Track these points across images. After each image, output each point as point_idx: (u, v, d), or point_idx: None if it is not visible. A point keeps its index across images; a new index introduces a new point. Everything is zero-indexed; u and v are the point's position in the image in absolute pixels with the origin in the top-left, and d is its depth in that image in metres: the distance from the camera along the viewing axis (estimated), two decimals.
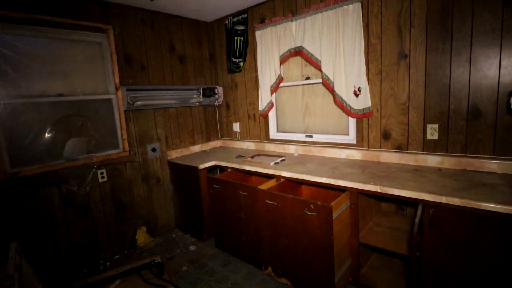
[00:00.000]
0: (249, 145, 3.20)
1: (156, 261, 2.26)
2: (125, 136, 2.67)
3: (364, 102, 2.22)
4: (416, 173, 1.83)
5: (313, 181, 1.98)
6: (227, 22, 3.15)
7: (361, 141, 2.31)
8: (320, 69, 2.39)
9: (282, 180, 2.19)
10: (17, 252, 1.63)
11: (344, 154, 2.41)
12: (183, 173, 2.81)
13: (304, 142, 2.74)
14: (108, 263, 2.51)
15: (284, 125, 2.96)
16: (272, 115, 2.99)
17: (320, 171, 2.07)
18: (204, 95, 3.23)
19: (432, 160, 1.95)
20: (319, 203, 1.72)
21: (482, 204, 1.32)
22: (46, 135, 2.26)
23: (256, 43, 2.87)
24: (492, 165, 1.74)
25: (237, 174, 2.63)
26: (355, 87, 2.23)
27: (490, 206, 1.30)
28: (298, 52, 2.53)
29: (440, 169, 1.88)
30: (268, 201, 2.01)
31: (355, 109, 2.25)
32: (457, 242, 1.41)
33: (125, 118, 2.66)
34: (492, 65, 1.68)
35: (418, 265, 1.52)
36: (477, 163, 1.78)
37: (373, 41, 2.13)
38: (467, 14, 1.73)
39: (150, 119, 2.86)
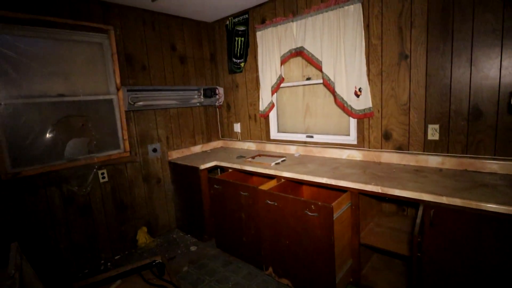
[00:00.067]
0: (250, 146, 3.20)
1: (157, 261, 2.26)
2: (126, 137, 2.67)
3: (365, 102, 2.22)
4: (417, 174, 1.83)
5: (314, 182, 1.98)
6: (228, 22, 3.15)
7: (362, 142, 2.31)
8: (321, 70, 2.39)
9: (283, 180, 2.19)
10: (18, 252, 1.63)
11: (345, 154, 2.41)
12: (184, 174, 2.81)
13: (305, 142, 2.74)
14: (109, 263, 2.51)
15: (285, 125, 2.97)
16: (273, 115, 3.00)
17: (321, 171, 2.07)
18: (205, 96, 3.23)
19: (433, 161, 1.95)
20: (320, 203, 1.72)
21: (483, 204, 1.32)
22: (47, 135, 2.27)
23: (257, 43, 2.87)
24: (493, 165, 1.74)
25: (238, 175, 2.63)
26: (356, 88, 2.23)
27: (491, 206, 1.30)
28: (299, 52, 2.53)
29: (441, 170, 1.88)
30: (269, 202, 2.01)
31: (356, 110, 2.25)
32: (458, 243, 1.41)
33: (126, 119, 2.67)
34: (493, 65, 1.68)
35: (419, 265, 1.52)
36: (478, 164, 1.78)
37: (373, 41, 2.13)
38: (468, 15, 1.73)
39: (151, 120, 2.87)
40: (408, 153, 2.07)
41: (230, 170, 2.62)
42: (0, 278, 1.51)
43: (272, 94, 2.82)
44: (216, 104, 3.42)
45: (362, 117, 2.26)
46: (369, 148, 2.28)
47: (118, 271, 2.21)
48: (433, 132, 1.94)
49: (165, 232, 3.02)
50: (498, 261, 1.31)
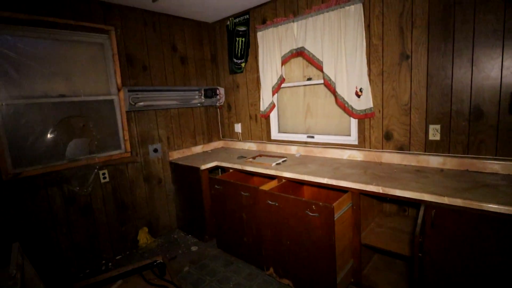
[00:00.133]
0: (251, 146, 3.20)
1: (158, 261, 2.26)
2: (127, 137, 2.68)
3: (365, 102, 2.22)
4: (418, 174, 1.83)
5: (315, 182, 1.98)
6: (228, 23, 3.16)
7: (363, 142, 2.31)
8: (321, 70, 2.39)
9: (283, 180, 2.19)
10: (20, 253, 1.63)
11: (345, 154, 2.41)
12: (185, 174, 2.81)
13: (306, 142, 2.74)
14: (110, 264, 2.52)
15: (286, 125, 2.97)
16: (273, 115, 3.00)
17: (322, 171, 2.06)
18: (206, 96, 3.23)
19: (434, 161, 1.95)
20: (321, 203, 1.72)
21: (484, 205, 1.32)
22: (48, 135, 2.27)
23: (257, 44, 2.87)
24: (494, 165, 1.73)
25: (238, 175, 2.63)
26: (356, 88, 2.23)
27: (492, 207, 1.30)
28: (300, 53, 2.53)
29: (442, 170, 1.88)
30: (270, 202, 2.01)
31: (356, 110, 2.25)
32: (459, 243, 1.40)
33: (127, 119, 2.67)
34: (494, 65, 1.68)
35: (420, 266, 1.52)
36: (479, 164, 1.78)
37: (374, 41, 2.13)
38: (469, 15, 1.73)
39: (151, 120, 2.87)
40: (409, 153, 2.07)
41: (231, 171, 2.63)
42: (1, 278, 1.52)
43: (273, 94, 2.82)
44: (217, 104, 3.42)
45: (363, 117, 2.25)
46: (370, 148, 2.28)
47: (119, 271, 2.21)
48: (434, 132, 1.94)
49: (166, 232, 3.02)
50: (499, 262, 1.31)
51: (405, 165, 2.07)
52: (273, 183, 2.20)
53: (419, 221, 1.46)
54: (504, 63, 1.65)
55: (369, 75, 2.19)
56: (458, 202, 1.39)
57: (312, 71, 2.62)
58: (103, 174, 2.52)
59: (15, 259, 1.56)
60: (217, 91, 3.33)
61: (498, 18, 1.63)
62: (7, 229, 2.04)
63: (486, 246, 1.33)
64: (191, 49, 3.19)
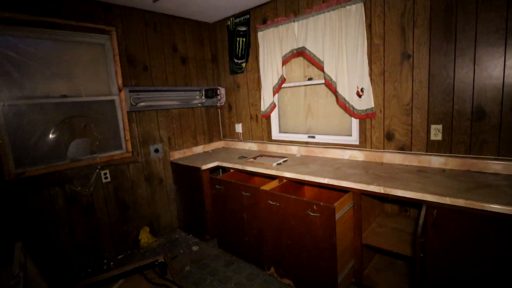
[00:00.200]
0: (252, 146, 3.20)
1: (159, 261, 2.27)
2: (128, 137, 2.68)
3: (367, 102, 2.21)
4: (419, 174, 1.82)
5: (316, 182, 1.97)
6: (229, 23, 3.15)
7: (364, 142, 2.31)
8: (322, 70, 2.39)
9: (284, 181, 2.19)
10: (22, 252, 1.64)
11: (346, 155, 2.40)
12: (186, 174, 2.82)
13: (307, 143, 2.73)
14: (111, 263, 2.53)
15: (287, 126, 2.96)
16: (274, 116, 2.99)
17: (323, 172, 2.06)
18: (207, 96, 3.23)
19: (436, 161, 1.94)
20: (322, 204, 1.71)
21: (487, 205, 1.31)
22: (50, 136, 2.28)
23: (258, 44, 2.87)
24: (496, 166, 1.72)
25: (239, 175, 2.63)
26: (358, 88, 2.22)
27: (495, 207, 1.29)
28: (301, 53, 2.53)
29: (444, 170, 1.87)
30: (271, 202, 2.01)
31: (358, 110, 2.24)
32: (461, 244, 1.40)
33: (128, 119, 2.68)
34: (497, 65, 1.67)
35: (422, 266, 1.51)
36: (481, 164, 1.77)
37: (376, 41, 2.13)
38: (471, 14, 1.71)
39: (152, 120, 2.88)
40: (411, 153, 2.06)
41: (231, 171, 2.63)
42: (5, 277, 1.53)
43: (274, 94, 2.82)
44: (218, 104, 3.42)
45: (364, 117, 2.25)
46: (371, 148, 2.27)
47: (120, 271, 2.22)
48: (436, 132, 1.93)
49: (167, 232, 3.03)
50: (501, 262, 1.30)
51: (407, 165, 2.06)
52: (274, 183, 2.20)
53: (421, 221, 1.45)
54: (506, 62, 1.64)
55: (370, 75, 2.18)
56: (460, 202, 1.38)
57: (313, 71, 2.62)
58: (105, 174, 2.53)
59: (18, 258, 1.57)
60: (218, 91, 3.33)
61: (500, 17, 1.62)
62: (10, 229, 2.05)
63: (488, 246, 1.32)
64: (191, 49, 3.20)
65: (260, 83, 2.94)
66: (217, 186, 2.46)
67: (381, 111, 2.18)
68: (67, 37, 2.33)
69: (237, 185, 2.29)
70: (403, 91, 2.05)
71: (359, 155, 2.33)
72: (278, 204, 1.97)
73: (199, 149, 3.30)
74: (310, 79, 2.66)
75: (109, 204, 2.59)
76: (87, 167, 2.43)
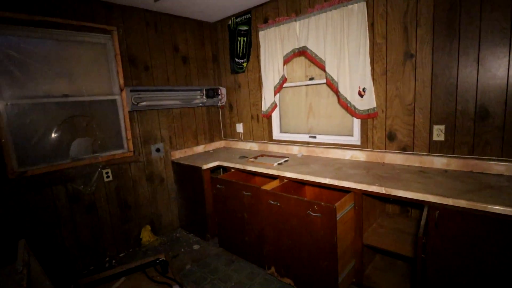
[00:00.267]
0: (252, 146, 3.20)
1: (160, 259, 2.27)
2: (129, 136, 2.69)
3: (368, 102, 2.20)
4: (421, 175, 1.81)
5: (317, 182, 1.97)
6: (230, 22, 3.15)
7: (366, 142, 2.29)
8: (324, 70, 2.38)
9: (285, 180, 2.19)
10: (26, 249, 1.66)
11: (348, 155, 2.39)
12: (187, 173, 2.82)
13: (308, 143, 2.72)
14: (113, 261, 2.54)
15: (288, 126, 2.95)
16: (275, 115, 2.99)
17: (324, 172, 2.05)
18: (208, 96, 3.23)
19: (438, 162, 1.92)
20: (323, 204, 1.71)
21: (489, 206, 1.30)
22: (53, 135, 2.29)
23: (259, 43, 2.86)
24: (500, 167, 1.71)
25: (240, 175, 2.63)
26: (359, 88, 2.21)
27: (497, 208, 1.28)
28: (302, 52, 2.52)
29: (446, 171, 1.85)
30: (272, 202, 2.01)
31: (359, 110, 2.23)
32: (463, 245, 1.39)
33: (130, 119, 2.68)
34: (501, 65, 1.65)
35: (423, 267, 1.51)
36: (484, 165, 1.75)
37: (378, 40, 2.11)
38: (475, 13, 1.69)
39: (154, 120, 2.88)
40: (413, 154, 2.04)
41: (232, 170, 2.63)
42: (9, 273, 1.54)
43: (275, 94, 2.81)
44: (219, 104, 3.42)
45: (366, 118, 2.23)
46: (372, 148, 2.26)
47: (122, 268, 2.24)
48: (439, 133, 1.92)
49: (168, 231, 3.04)
50: (503, 263, 1.29)
51: (409, 165, 2.04)
52: (275, 183, 2.20)
53: (422, 222, 1.44)
54: (511, 62, 1.62)
55: (372, 74, 2.17)
56: (462, 203, 1.37)
57: (314, 70, 2.60)
58: (107, 173, 2.54)
59: (21, 256, 1.58)
60: (219, 91, 3.33)
61: (505, 16, 1.60)
62: (13, 227, 2.07)
63: (490, 248, 1.31)
64: (192, 49, 3.19)
65: (261, 83, 2.93)
66: (218, 185, 2.46)
67: (383, 111, 2.17)
68: (69, 36, 2.33)
69: (238, 185, 2.29)
70: (406, 91, 2.04)
71: (360, 156, 2.31)
72: (279, 204, 1.97)
73: (200, 148, 3.30)
74: (311, 78, 2.65)
75: (111, 203, 2.60)
76: (89, 166, 2.44)
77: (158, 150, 2.91)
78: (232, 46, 3.19)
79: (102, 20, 2.46)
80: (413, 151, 2.05)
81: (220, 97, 3.35)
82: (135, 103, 2.65)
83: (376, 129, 2.23)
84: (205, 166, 2.62)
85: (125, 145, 2.71)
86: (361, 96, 2.21)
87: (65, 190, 2.32)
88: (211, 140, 3.46)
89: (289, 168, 2.23)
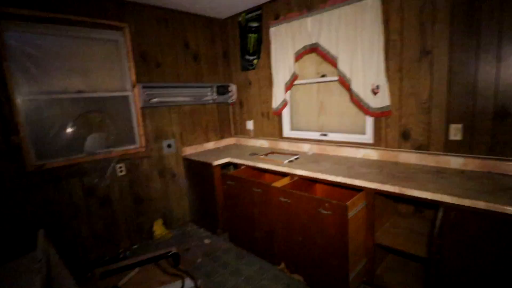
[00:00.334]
0: (263, 143, 3.20)
1: (172, 252, 2.31)
2: (141, 132, 2.74)
3: (382, 100, 2.16)
4: (437, 175, 1.77)
5: (328, 180, 1.96)
6: (240, 19, 3.13)
7: (379, 141, 2.26)
8: (336, 67, 2.35)
9: (296, 178, 2.18)
10: (45, 239, 1.72)
11: (360, 153, 2.36)
12: (198, 169, 2.85)
13: (319, 140, 2.70)
14: (127, 252, 2.62)
15: (298, 123, 2.94)
16: (286, 113, 2.97)
17: (336, 170, 2.04)
18: (218, 93, 3.25)
19: (455, 162, 1.88)
20: (334, 202, 1.70)
21: (508, 208, 1.26)
22: (68, 130, 2.35)
23: (270, 40, 2.84)
24: None
25: (250, 171, 2.64)
26: (373, 85, 2.17)
27: None
28: (314, 49, 2.49)
29: (463, 171, 1.81)
30: (282, 199, 2.02)
31: (372, 108, 2.20)
32: (480, 247, 1.36)
33: (142, 115, 2.73)
34: None
35: (438, 268, 1.49)
36: (503, 166, 1.70)
37: (393, 37, 2.06)
38: (496, 8, 1.63)
39: (165, 116, 2.92)
40: (428, 153, 2.00)
41: (243, 167, 2.64)
42: (29, 262, 1.61)
43: (286, 91, 2.79)
44: (229, 101, 3.43)
45: (379, 116, 2.20)
46: (386, 147, 2.23)
47: (136, 260, 2.28)
48: (456, 132, 1.87)
49: (179, 225, 3.09)
50: None
51: (423, 165, 2.01)
52: (285, 180, 2.20)
53: (438, 223, 1.42)
54: None
55: (386, 71, 2.13)
56: (480, 204, 1.34)
57: (326, 67, 2.57)
58: (120, 167, 2.60)
59: (41, 245, 1.64)
60: (229, 88, 3.34)
61: None
62: (32, 217, 2.15)
63: (508, 250, 1.28)
64: (203, 46, 3.20)
65: (272, 80, 2.92)
66: (228, 181, 2.49)
67: (397, 109, 2.13)
68: (82, 33, 2.37)
69: (249, 181, 2.30)
70: (421, 89, 1.99)
71: (373, 154, 2.29)
72: (289, 201, 1.97)
73: (210, 145, 3.32)
74: (323, 76, 2.62)
75: (125, 196, 2.66)
76: (103, 161, 2.50)
77: (169, 146, 2.95)
78: (242, 43, 3.18)
79: (114, 17, 2.50)
80: (428, 151, 2.01)
81: (230, 94, 3.36)
82: (147, 100, 2.69)
83: (389, 127, 2.19)
84: (215, 162, 2.64)
85: (138, 141, 2.75)
86: (375, 93, 2.18)
87: (81, 183, 2.39)
88: (222, 137, 3.48)
89: (300, 166, 2.22)
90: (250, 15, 3.03)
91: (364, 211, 1.83)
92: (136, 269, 2.21)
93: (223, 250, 2.54)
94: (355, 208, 1.76)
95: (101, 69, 2.51)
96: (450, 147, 1.91)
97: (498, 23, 1.64)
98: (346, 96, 2.46)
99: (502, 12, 1.62)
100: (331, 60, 2.39)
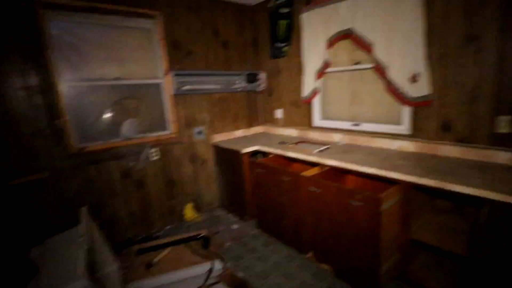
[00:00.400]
0: (292, 132, 3.18)
1: (202, 234, 2.42)
2: (173, 119, 2.83)
3: (421, 89, 2.05)
4: (481, 170, 1.67)
5: (361, 172, 1.92)
6: (271, 5, 3.06)
7: (416, 132, 2.16)
8: (371, 53, 2.24)
9: (326, 168, 2.16)
10: (87, 215, 1.87)
11: (395, 145, 2.28)
12: (227, 156, 2.92)
13: (351, 130, 2.64)
14: (160, 232, 2.77)
15: (329, 112, 2.88)
16: (316, 102, 2.92)
17: (369, 161, 1.99)
18: (247, 81, 3.24)
19: (502, 156, 1.75)
20: (367, 193, 1.68)
21: None
22: (106, 115, 2.49)
23: (301, 26, 2.76)
24: None
25: (279, 160, 2.66)
26: (412, 73, 2.05)
27: None
28: (348, 35, 2.39)
29: (511, 167, 1.69)
30: (312, 188, 2.02)
31: (410, 97, 2.09)
32: None
33: (173, 102, 2.81)
34: None
35: (478, 268, 1.43)
36: None
37: (435, 21, 1.92)
38: None
39: (196, 104, 2.98)
40: (472, 146, 1.89)
41: (271, 155, 2.65)
42: (74, 235, 1.76)
43: (317, 79, 2.73)
44: (258, 89, 3.42)
45: (418, 105, 2.09)
46: (424, 139, 2.13)
47: (168, 240, 2.42)
48: (504, 124, 1.74)
49: (209, 210, 3.21)
50: None
51: (466, 159, 1.90)
52: (315, 170, 2.19)
53: (481, 221, 1.35)
54: None
55: (427, 58, 2.00)
56: None
57: (360, 55, 2.47)
58: (154, 152, 2.72)
59: (84, 220, 1.79)
60: (259, 76, 3.32)
61: None
62: (76, 195, 2.34)
63: None
64: (232, 33, 3.19)
65: (303, 68, 2.85)
66: (257, 169, 2.52)
67: (437, 98, 2.01)
68: (117, 22, 2.45)
69: (277, 170, 2.32)
70: (466, 77, 1.86)
71: (409, 146, 2.19)
72: (319, 191, 1.97)
73: (239, 133, 3.36)
74: (357, 63, 2.52)
75: (158, 180, 2.80)
76: (138, 146, 2.63)
77: (199, 133, 3.02)
78: (272, 30, 3.12)
79: (146, 5, 2.54)
80: (471, 144, 1.90)
81: (259, 82, 3.34)
82: (179, 87, 2.76)
83: (428, 118, 2.08)
84: (244, 150, 2.68)
85: (170, 127, 2.85)
86: (413, 82, 2.07)
87: (118, 166, 2.54)
88: (250, 125, 3.50)
89: (330, 156, 2.20)
90: (280, 0, 2.95)
91: (399, 205, 1.79)
92: (169, 249, 2.34)
93: (250, 236, 2.61)
94: (389, 201, 1.72)
95: (135, 57, 2.59)
96: (497, 141, 1.79)
97: None
98: (380, 85, 2.35)
99: None
100: (366, 46, 2.28)
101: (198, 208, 3.11)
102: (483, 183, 1.47)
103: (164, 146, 2.80)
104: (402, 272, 1.86)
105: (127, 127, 2.58)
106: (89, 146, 2.38)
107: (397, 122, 2.32)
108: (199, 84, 2.92)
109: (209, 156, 3.15)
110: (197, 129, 3.00)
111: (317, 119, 2.96)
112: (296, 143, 2.70)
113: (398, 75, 2.12)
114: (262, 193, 2.55)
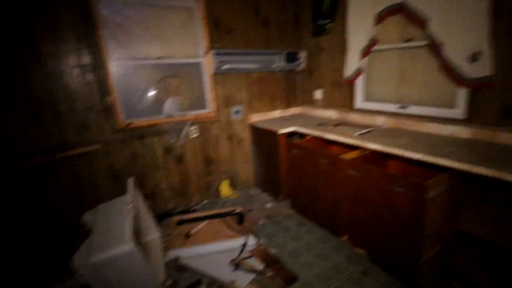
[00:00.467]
0: (331, 114, 3.08)
1: (238, 211, 2.53)
2: (212, 98, 2.89)
3: (482, 69, 1.83)
4: None
5: (406, 157, 1.81)
6: None
7: (472, 116, 1.97)
8: (425, 29, 2.04)
9: (367, 152, 2.09)
10: (133, 186, 2.05)
11: (447, 130, 2.10)
12: (263, 136, 2.94)
13: (396, 113, 2.48)
14: (197, 206, 2.95)
15: (373, 94, 2.72)
16: (359, 82, 2.77)
17: (416, 146, 1.87)
18: (287, 60, 3.17)
19: None
20: (412, 179, 1.60)
21: None
22: (150, 93, 2.62)
23: (347, 1, 2.58)
24: None
25: (316, 142, 2.61)
26: (472, 51, 1.84)
27: None
28: (399, 9, 2.19)
29: None
30: (351, 172, 1.97)
31: (469, 78, 1.89)
32: None
33: (213, 81, 2.86)
34: None
35: None
36: None
37: None
38: None
39: (234, 83, 3.00)
40: None
41: (309, 137, 2.62)
42: (121, 203, 1.95)
43: (362, 58, 2.57)
44: (298, 69, 3.33)
45: (476, 87, 1.89)
46: (480, 124, 1.94)
47: (206, 214, 2.58)
48: None
49: (244, 188, 3.31)
50: None
51: None
52: (354, 153, 2.12)
53: None
54: None
55: (491, 34, 1.76)
56: None
57: (412, 31, 2.26)
58: (193, 130, 2.84)
59: (131, 190, 1.96)
60: (299, 55, 3.22)
61: None
62: (124, 167, 2.55)
63: None
64: (274, 11, 3.09)
65: (347, 46, 2.70)
66: (293, 150, 2.51)
67: (501, 80, 1.79)
68: (160, 1, 2.50)
69: (314, 152, 2.29)
70: None
71: (463, 132, 2.01)
72: (358, 175, 1.92)
73: (276, 113, 3.35)
74: (408, 40, 2.32)
75: (197, 156, 2.93)
76: (179, 123, 2.75)
77: (237, 112, 3.07)
78: (315, 6, 2.97)
79: None
80: None
81: (299, 61, 3.25)
82: (219, 66, 2.79)
83: (488, 101, 1.88)
84: (281, 131, 2.67)
85: (209, 106, 2.93)
86: (473, 61, 1.86)
87: (161, 142, 2.70)
88: (288, 105, 3.46)
89: (372, 139, 2.10)
90: None
91: (446, 194, 1.68)
92: (206, 222, 2.50)
93: (284, 216, 2.66)
94: (436, 189, 1.62)
95: (177, 36, 2.65)
96: None
97: None
98: (434, 64, 2.16)
99: None
100: (419, 22, 2.08)
101: (233, 185, 3.22)
102: None
103: (203, 124, 2.89)
104: (444, 263, 1.78)
105: (169, 104, 2.70)
106: (135, 122, 2.55)
107: (451, 105, 2.13)
108: (238, 63, 2.92)
109: (246, 136, 3.20)
110: (234, 109, 3.05)
111: (359, 101, 2.82)
112: (336, 125, 2.62)
113: (456, 53, 1.92)
114: (297, 174, 2.56)
